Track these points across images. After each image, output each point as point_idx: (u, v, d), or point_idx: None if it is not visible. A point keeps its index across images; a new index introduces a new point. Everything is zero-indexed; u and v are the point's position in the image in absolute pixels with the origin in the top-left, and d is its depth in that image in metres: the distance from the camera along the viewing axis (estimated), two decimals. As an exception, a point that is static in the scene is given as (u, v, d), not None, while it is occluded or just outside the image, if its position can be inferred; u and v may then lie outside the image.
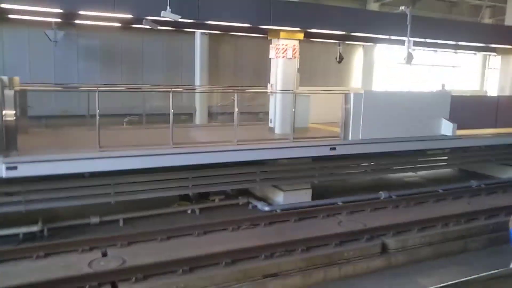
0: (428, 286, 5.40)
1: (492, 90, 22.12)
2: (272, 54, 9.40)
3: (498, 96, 12.44)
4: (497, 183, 10.21)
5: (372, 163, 9.71)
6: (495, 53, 16.56)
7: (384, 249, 6.40)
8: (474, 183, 10.00)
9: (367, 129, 8.97)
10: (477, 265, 6.06)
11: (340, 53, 14.04)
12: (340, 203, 8.38)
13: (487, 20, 23.42)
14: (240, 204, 8.49)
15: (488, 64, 24.67)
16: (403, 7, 10.80)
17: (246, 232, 6.83)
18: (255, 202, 8.42)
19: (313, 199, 8.71)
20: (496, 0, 20.57)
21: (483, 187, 9.80)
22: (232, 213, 7.90)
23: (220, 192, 8.34)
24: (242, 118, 9.93)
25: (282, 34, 9.01)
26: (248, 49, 14.88)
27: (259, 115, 13.92)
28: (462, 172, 11.63)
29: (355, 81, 18.63)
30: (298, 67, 9.63)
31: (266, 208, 8.10)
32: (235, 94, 8.13)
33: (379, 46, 17.99)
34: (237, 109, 7.82)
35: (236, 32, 10.51)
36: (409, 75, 20.01)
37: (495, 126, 11.44)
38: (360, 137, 9.02)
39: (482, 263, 6.14)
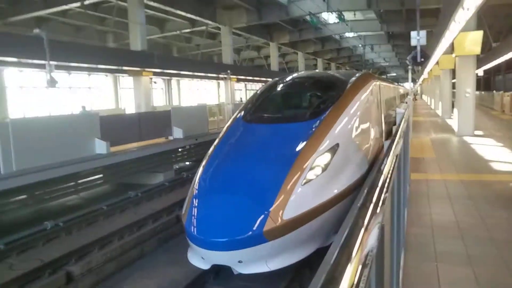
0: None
1: (129, 107, 24.56)
2: None
3: (139, 113, 13.99)
4: (151, 189, 11.44)
5: (27, 195, 8.97)
6: (127, 74, 18.57)
7: (69, 277, 6.17)
8: (132, 193, 10.75)
9: (20, 160, 8.27)
10: (155, 264, 6.86)
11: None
12: (2, 247, 7.33)
13: (111, 44, 25.65)
14: None
15: (119, 84, 27.08)
16: (37, 30, 10.49)
17: None
18: None
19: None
20: (118, 27, 22.77)
21: (141, 195, 10.77)
22: None
23: None
24: None
25: None
26: None
27: None
28: (119, 186, 12.27)
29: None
30: None
31: None
32: None
33: (12, 70, 16.48)
34: None
35: None
36: (49, 98, 19.34)
37: (140, 140, 12.92)
38: (14, 169, 8.22)
39: (161, 260, 6.97)
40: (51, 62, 10.53)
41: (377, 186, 1.98)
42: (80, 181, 10.40)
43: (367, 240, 1.36)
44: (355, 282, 1.07)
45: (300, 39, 33.86)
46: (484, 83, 39.91)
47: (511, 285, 3.32)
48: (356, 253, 1.23)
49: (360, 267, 1.15)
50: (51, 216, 8.83)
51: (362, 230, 1.43)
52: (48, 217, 8.65)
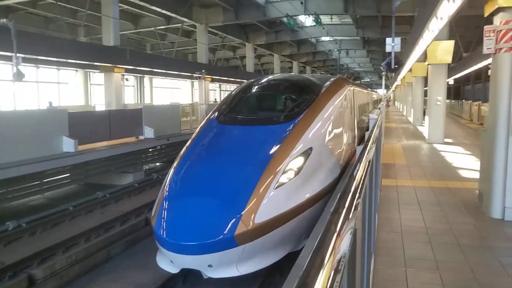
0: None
1: (99, 104, 24.00)
2: None
3: (109, 110, 13.64)
4: (120, 190, 11.19)
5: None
6: (98, 70, 18.12)
7: (31, 281, 5.92)
8: (100, 194, 10.45)
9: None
10: (122, 267, 6.66)
11: None
12: (-41, 248, 7.00)
13: (83, 39, 25.02)
14: None
15: (90, 80, 26.44)
16: (4, 20, 10.07)
17: None
18: None
19: None
20: (90, 21, 22.21)
21: (109, 196, 10.47)
22: None
23: None
24: None
25: None
26: None
27: None
28: (87, 186, 11.93)
29: None
30: None
31: None
32: None
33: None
34: None
35: None
36: (15, 92, 18.67)
37: (109, 138, 12.60)
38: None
39: (129, 263, 6.78)
40: (18, 55, 10.11)
41: (350, 191, 1.94)
42: (45, 180, 10.03)
43: (339, 245, 1.33)
44: (328, 288, 1.02)
45: (277, 40, 34.00)
46: (454, 92, 41.12)
47: (476, 290, 3.37)
48: (329, 259, 1.19)
49: (332, 272, 1.11)
50: (13, 216, 8.49)
51: (335, 235, 1.39)
52: (10, 217, 8.31)
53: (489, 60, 5.90)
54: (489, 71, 6.00)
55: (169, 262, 4.66)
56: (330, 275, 1.08)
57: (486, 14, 5.45)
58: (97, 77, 25.80)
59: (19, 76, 10.26)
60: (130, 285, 5.92)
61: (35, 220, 8.35)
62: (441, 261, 3.92)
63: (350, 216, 1.64)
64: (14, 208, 9.67)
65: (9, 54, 10.12)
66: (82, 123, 11.29)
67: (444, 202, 5.98)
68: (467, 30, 21.63)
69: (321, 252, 1.22)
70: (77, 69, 23.91)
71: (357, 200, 1.87)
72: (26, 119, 9.61)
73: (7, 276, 5.82)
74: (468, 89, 38.19)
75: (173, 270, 4.72)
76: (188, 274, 5.62)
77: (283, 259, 4.96)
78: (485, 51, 5.33)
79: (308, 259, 1.18)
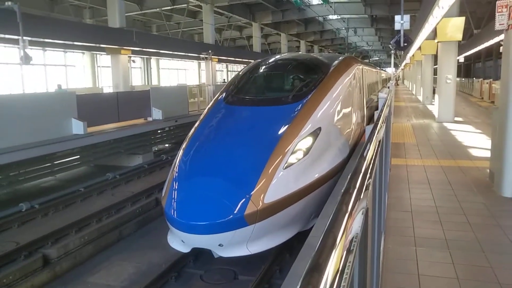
0: (94, 282, 5.65)
1: (106, 86, 24.02)
2: None
3: (117, 92, 13.65)
4: (129, 171, 11.30)
5: (1, 176, 8.70)
6: (105, 52, 18.05)
7: (46, 261, 6.05)
8: (110, 175, 10.55)
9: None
10: (133, 247, 6.78)
11: None
12: (-26, 229, 7.14)
13: (88, 21, 24.86)
14: None
15: (97, 63, 26.39)
16: (9, 3, 10.02)
17: None
18: None
19: None
20: (95, 3, 22.03)
21: (119, 177, 10.58)
22: None
23: None
24: None
25: None
26: None
27: None
28: (97, 167, 12.06)
29: None
30: None
31: None
32: None
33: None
34: None
35: None
36: (23, 75, 18.71)
37: (118, 120, 12.65)
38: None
39: (140, 243, 6.90)
40: (25, 38, 10.09)
41: (361, 171, 1.94)
42: (56, 162, 10.15)
43: (351, 225, 1.33)
44: (340, 268, 1.03)
45: (283, 20, 33.48)
46: (465, 70, 40.48)
47: (485, 268, 3.38)
48: (341, 239, 1.19)
49: (345, 252, 1.11)
50: (26, 197, 8.63)
51: (346, 215, 1.39)
52: (23, 198, 8.45)
53: (501, 37, 5.78)
54: (501, 48, 5.88)
55: (180, 242, 4.72)
56: (342, 255, 1.09)
57: (499, -11, 5.30)
58: (104, 59, 25.73)
59: (26, 59, 10.27)
60: (142, 264, 6.03)
61: (48, 202, 8.48)
62: (451, 240, 3.93)
63: (362, 196, 1.64)
64: (27, 190, 9.83)
65: (15, 37, 10.09)
66: (91, 105, 11.32)
67: (454, 181, 5.95)
68: (479, 6, 21.11)
69: (333, 233, 1.22)
70: (84, 51, 23.86)
71: (368, 180, 1.86)
72: (35, 102, 9.66)
73: (22, 256, 5.93)
74: (479, 66, 37.56)
75: (184, 249, 4.79)
76: (199, 254, 5.70)
77: (292, 239, 5.00)
78: (497, 27, 5.21)
79: (320, 239, 1.18)
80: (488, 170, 6.10)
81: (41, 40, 12.23)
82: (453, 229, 4.20)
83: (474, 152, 8.00)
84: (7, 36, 10.64)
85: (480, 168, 6.65)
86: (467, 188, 5.62)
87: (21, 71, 12.23)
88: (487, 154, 6.47)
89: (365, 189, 1.75)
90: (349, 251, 1.13)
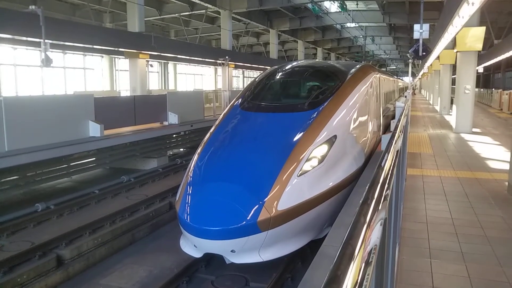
0: (106, 284, 5.68)
1: (124, 90, 24.32)
2: None
3: (134, 96, 13.81)
4: (144, 174, 11.37)
5: (19, 176, 8.86)
6: (123, 56, 18.31)
7: (60, 261, 6.11)
8: (125, 178, 10.57)
9: (13, 140, 8.16)
10: (146, 251, 6.80)
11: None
12: (-9, 227, 7.26)
13: (108, 25, 25.28)
14: None
15: (115, 66, 26.76)
16: (33, 7, 10.25)
17: None
18: None
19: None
20: (115, 7, 22.41)
21: (134, 180, 10.61)
22: None
23: None
24: None
25: None
26: None
27: None
28: (112, 170, 12.19)
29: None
30: None
31: None
32: None
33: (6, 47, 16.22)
34: None
35: None
36: (43, 77, 19.09)
37: (134, 123, 12.79)
38: (6, 149, 8.12)
39: (152, 246, 6.92)
40: (46, 41, 10.29)
41: (379, 182, 1.91)
42: (72, 164, 10.29)
43: (369, 237, 1.31)
44: (359, 280, 1.01)
45: (301, 27, 33.54)
46: (484, 80, 39.87)
47: (502, 283, 3.29)
48: (359, 251, 1.17)
49: (363, 265, 1.10)
50: (42, 198, 8.75)
51: (365, 226, 1.37)
52: (39, 199, 8.58)
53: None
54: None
55: (193, 247, 4.72)
56: (361, 267, 1.07)
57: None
58: (122, 63, 26.07)
59: (47, 62, 10.47)
60: (154, 267, 6.04)
61: (63, 202, 8.58)
62: (467, 253, 3.85)
63: (380, 207, 1.62)
64: (43, 190, 9.97)
65: (37, 40, 10.30)
66: (108, 108, 11.46)
67: (471, 193, 5.84)
68: (500, 16, 20.82)
69: (351, 244, 1.20)
70: (103, 55, 24.23)
71: (386, 191, 1.84)
72: (54, 103, 9.82)
73: (36, 256, 6.01)
74: (498, 77, 36.96)
75: (196, 254, 4.78)
76: (211, 259, 5.69)
77: (305, 247, 4.96)
78: (520, 37, 5.11)
79: (338, 251, 1.16)
80: (506, 183, 5.98)
81: (62, 43, 12.44)
82: (470, 242, 4.12)
83: (492, 164, 7.84)
84: (29, 39, 10.86)
85: (498, 180, 6.52)
86: (484, 200, 5.51)
87: (42, 73, 12.44)
88: (506, 166, 6.34)
89: (383, 200, 1.72)
90: (367, 263, 1.12)
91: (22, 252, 6.03)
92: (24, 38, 10.98)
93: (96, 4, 22.95)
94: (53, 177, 9.87)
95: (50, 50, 11.80)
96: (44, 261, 5.93)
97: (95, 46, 15.30)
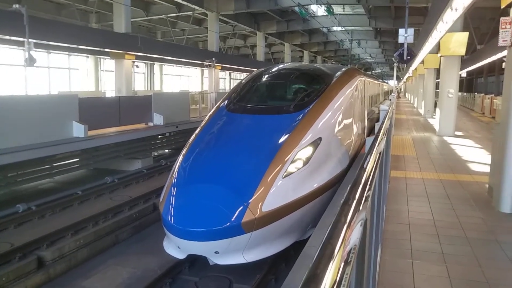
0: (88, 286, 5.61)
1: (109, 91, 24.06)
2: None
3: (119, 97, 13.67)
4: (128, 175, 11.22)
5: (0, 177, 8.71)
6: (109, 57, 18.13)
7: (40, 263, 6.01)
8: (108, 179, 10.41)
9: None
10: (129, 252, 6.73)
11: None
12: (-31, 230, 7.11)
13: (94, 25, 25.02)
14: None
15: (101, 67, 26.47)
16: (17, 5, 10.08)
17: None
18: None
19: None
20: (101, 7, 22.19)
21: (117, 181, 10.44)
22: None
23: None
24: None
25: None
26: None
27: None
28: (96, 171, 12.01)
29: None
30: None
31: None
32: None
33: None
34: None
35: None
36: (27, 77, 18.76)
37: (119, 124, 12.67)
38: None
39: (136, 248, 6.85)
40: (30, 40, 10.13)
41: (360, 183, 1.93)
42: (55, 164, 10.15)
43: (349, 237, 1.32)
44: (337, 280, 1.02)
45: (288, 30, 33.67)
46: (467, 85, 40.55)
47: (482, 283, 3.36)
48: (339, 250, 1.18)
49: (342, 264, 1.11)
50: (24, 199, 8.61)
51: (345, 226, 1.38)
52: (20, 199, 8.43)
53: (504, 53, 5.80)
54: (504, 64, 5.90)
55: (176, 248, 4.69)
56: (340, 267, 1.08)
57: (502, 6, 5.34)
58: (108, 63, 25.81)
59: (30, 61, 10.30)
60: (137, 269, 5.99)
61: (45, 203, 8.44)
62: (448, 254, 3.91)
63: (361, 208, 1.63)
64: (24, 191, 9.80)
65: (21, 39, 10.14)
66: (92, 109, 11.33)
67: (453, 195, 5.94)
68: (482, 22, 21.23)
69: (331, 244, 1.21)
70: (88, 55, 23.95)
71: (367, 192, 1.86)
72: (37, 103, 9.68)
73: (17, 257, 5.90)
74: (481, 81, 37.64)
75: (180, 255, 4.76)
76: (194, 260, 5.67)
77: (288, 248, 4.97)
78: (501, 43, 5.23)
79: (318, 250, 1.17)
80: (487, 185, 6.09)
81: (46, 43, 12.26)
82: (451, 243, 4.19)
83: (473, 167, 7.99)
84: (13, 38, 10.68)
85: (479, 183, 6.64)
86: (465, 202, 5.61)
87: (25, 73, 12.25)
88: (487, 169, 6.46)
89: (365, 201, 1.74)
90: (346, 263, 1.13)
91: (2, 253, 5.92)
92: (8, 37, 10.77)
93: (82, 4, 22.69)
94: (36, 178, 9.72)
95: (34, 49, 11.62)
96: (25, 262, 5.83)
97: (80, 46, 15.12)
